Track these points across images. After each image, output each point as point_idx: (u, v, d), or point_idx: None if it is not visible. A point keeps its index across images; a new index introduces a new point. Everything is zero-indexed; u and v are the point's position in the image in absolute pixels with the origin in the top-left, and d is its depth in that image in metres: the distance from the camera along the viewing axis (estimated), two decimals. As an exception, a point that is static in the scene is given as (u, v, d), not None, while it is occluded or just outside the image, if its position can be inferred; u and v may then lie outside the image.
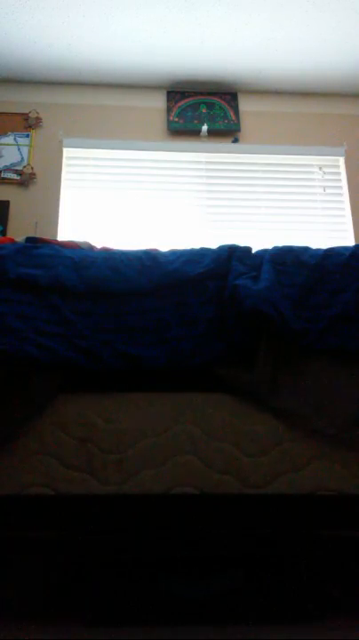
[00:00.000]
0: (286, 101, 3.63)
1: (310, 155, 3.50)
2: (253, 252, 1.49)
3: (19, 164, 3.31)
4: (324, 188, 3.48)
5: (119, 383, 1.32)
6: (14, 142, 3.35)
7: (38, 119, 3.42)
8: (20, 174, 3.28)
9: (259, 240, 2.94)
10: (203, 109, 3.51)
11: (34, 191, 3.27)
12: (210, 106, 3.52)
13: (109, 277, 1.35)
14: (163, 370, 1.30)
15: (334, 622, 1.29)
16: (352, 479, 1.24)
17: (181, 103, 3.51)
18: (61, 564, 1.50)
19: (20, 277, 1.32)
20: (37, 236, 2.03)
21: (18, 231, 3.10)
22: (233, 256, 1.43)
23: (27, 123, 3.40)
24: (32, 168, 3.30)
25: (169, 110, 3.49)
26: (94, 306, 1.32)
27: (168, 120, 3.47)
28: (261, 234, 3.30)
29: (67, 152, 3.40)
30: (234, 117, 3.51)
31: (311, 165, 3.52)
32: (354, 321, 1.29)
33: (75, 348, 1.26)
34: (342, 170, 3.51)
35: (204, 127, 3.43)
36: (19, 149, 3.34)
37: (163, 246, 1.63)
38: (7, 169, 3.29)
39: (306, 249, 1.46)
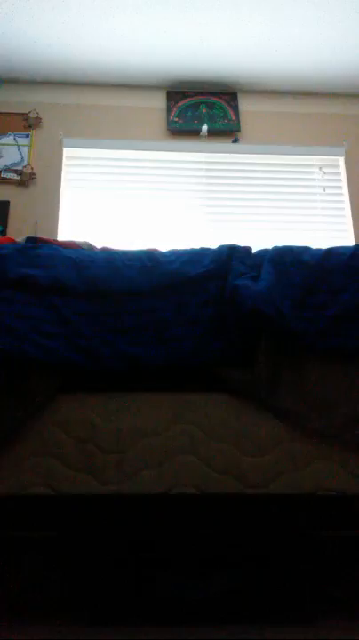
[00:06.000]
0: (286, 101, 3.63)
1: (310, 155, 3.50)
2: (253, 252, 1.49)
3: (19, 163, 3.31)
4: (324, 187, 3.48)
5: (119, 383, 1.31)
6: (14, 142, 3.35)
7: (38, 119, 3.42)
8: (20, 174, 3.28)
9: (259, 240, 2.93)
10: (203, 109, 3.51)
11: (34, 191, 3.27)
12: (210, 106, 3.52)
13: (109, 277, 1.35)
14: (163, 370, 1.30)
15: (334, 622, 1.29)
16: (352, 479, 1.24)
17: (181, 103, 3.51)
18: (61, 563, 1.50)
19: (20, 277, 1.32)
20: (37, 235, 2.03)
21: (18, 231, 3.10)
22: (233, 256, 1.42)
23: (27, 123, 3.40)
24: (32, 168, 3.30)
25: (169, 110, 3.49)
26: (94, 306, 1.32)
27: (168, 120, 3.47)
28: (261, 234, 3.30)
29: (67, 152, 3.40)
30: (234, 117, 3.51)
31: (311, 165, 3.52)
32: (354, 321, 1.29)
33: (74, 347, 1.26)
34: (342, 170, 3.51)
35: (204, 127, 3.43)
36: (19, 149, 3.34)
37: (164, 246, 1.63)
38: (7, 169, 3.29)
39: (306, 249, 1.45)
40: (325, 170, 3.51)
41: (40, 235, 2.93)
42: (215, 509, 1.27)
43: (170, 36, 3.12)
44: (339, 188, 3.49)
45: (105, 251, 1.53)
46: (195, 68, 3.39)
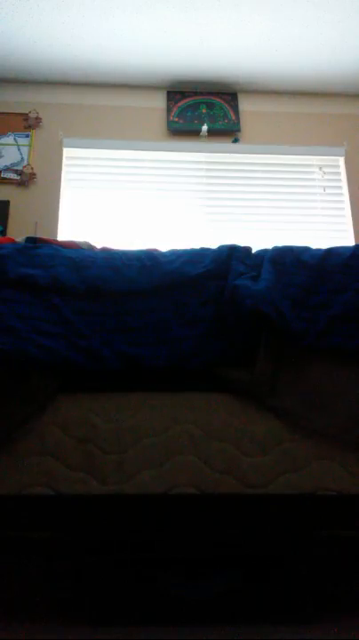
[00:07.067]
0: (286, 101, 3.63)
1: (310, 155, 3.51)
2: (253, 251, 1.49)
3: (19, 164, 3.31)
4: (324, 187, 3.48)
5: (119, 383, 1.31)
6: (14, 142, 3.35)
7: (38, 119, 3.42)
8: (20, 174, 3.28)
9: (259, 240, 2.94)
10: (203, 109, 3.51)
11: (34, 191, 3.28)
12: (210, 106, 3.52)
13: (109, 277, 1.35)
14: (163, 370, 1.30)
15: (334, 622, 1.29)
16: (352, 479, 1.24)
17: (181, 103, 3.51)
18: (61, 563, 1.50)
19: (20, 277, 1.32)
20: (37, 235, 2.03)
21: (18, 231, 3.10)
22: (233, 256, 1.42)
23: (27, 123, 3.40)
24: (32, 168, 3.30)
25: (169, 110, 3.49)
26: (94, 306, 1.32)
27: (168, 120, 3.47)
28: (261, 234, 3.30)
29: (67, 152, 3.40)
30: (234, 117, 3.51)
31: (311, 165, 3.53)
32: (354, 321, 1.29)
33: (74, 347, 1.26)
34: (342, 170, 3.51)
35: (204, 127, 3.43)
36: (19, 149, 3.34)
37: (163, 246, 1.63)
38: (7, 169, 3.29)
39: (306, 249, 1.45)
40: (325, 170, 3.51)
41: (40, 235, 2.94)
42: (215, 509, 1.27)
43: (170, 36, 3.12)
44: (339, 188, 3.49)
45: (105, 251, 1.53)
46: (194, 67, 3.39)
